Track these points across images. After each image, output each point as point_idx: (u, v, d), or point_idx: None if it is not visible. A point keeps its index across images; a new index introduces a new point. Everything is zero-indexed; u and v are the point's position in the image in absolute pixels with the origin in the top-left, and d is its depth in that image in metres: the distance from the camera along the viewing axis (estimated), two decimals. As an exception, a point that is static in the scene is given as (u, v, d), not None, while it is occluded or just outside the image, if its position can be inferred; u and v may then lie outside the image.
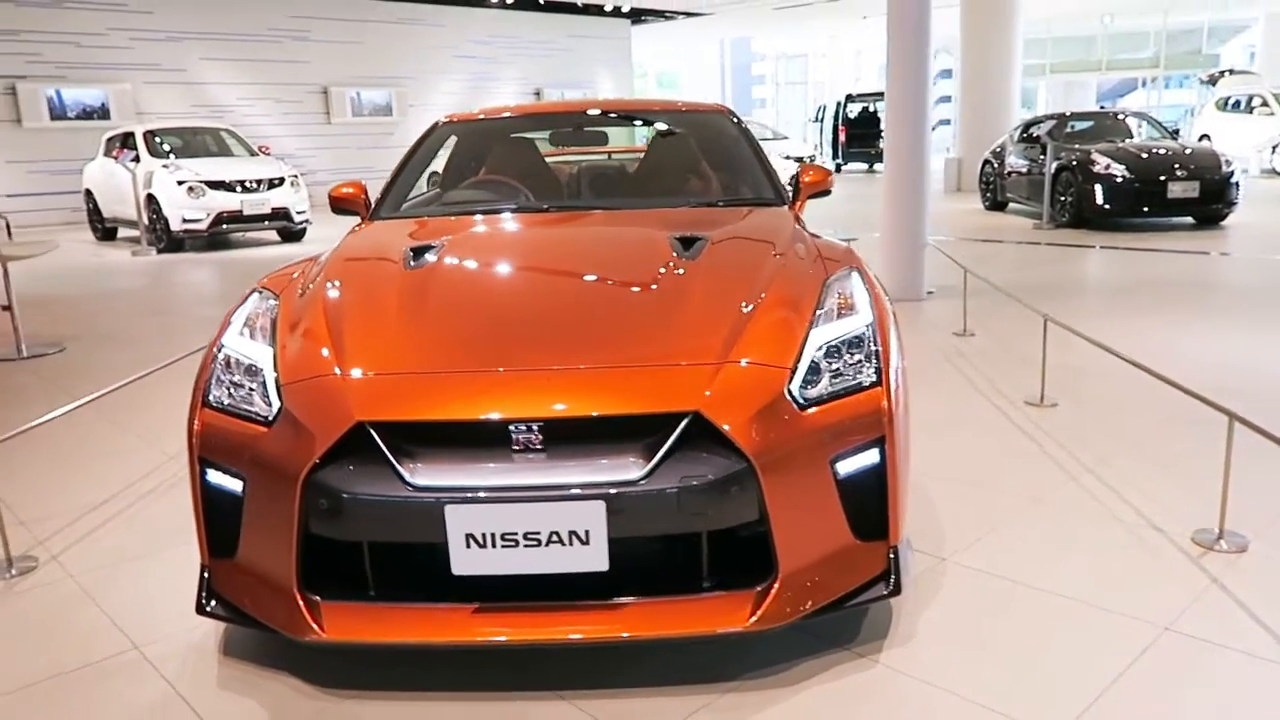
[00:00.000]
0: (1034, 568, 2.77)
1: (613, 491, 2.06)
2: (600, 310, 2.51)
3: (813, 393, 2.26)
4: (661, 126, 4.33)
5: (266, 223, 12.07)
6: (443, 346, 2.35)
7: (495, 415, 2.11)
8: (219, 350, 2.48)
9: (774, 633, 2.20)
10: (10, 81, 16.21)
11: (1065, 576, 2.71)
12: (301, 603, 2.19)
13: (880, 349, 2.40)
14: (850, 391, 2.29)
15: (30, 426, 3.28)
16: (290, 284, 2.77)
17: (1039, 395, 4.40)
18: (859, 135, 23.89)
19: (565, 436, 2.13)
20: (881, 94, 24.19)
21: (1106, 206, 10.40)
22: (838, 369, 2.33)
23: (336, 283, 2.70)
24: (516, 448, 2.11)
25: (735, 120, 4.05)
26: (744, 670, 2.30)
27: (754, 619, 2.14)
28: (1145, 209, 10.28)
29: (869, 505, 2.31)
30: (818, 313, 2.45)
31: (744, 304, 2.46)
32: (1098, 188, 10.38)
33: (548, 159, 4.18)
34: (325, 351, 2.33)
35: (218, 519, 2.32)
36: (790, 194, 3.73)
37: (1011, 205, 12.92)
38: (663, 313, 2.45)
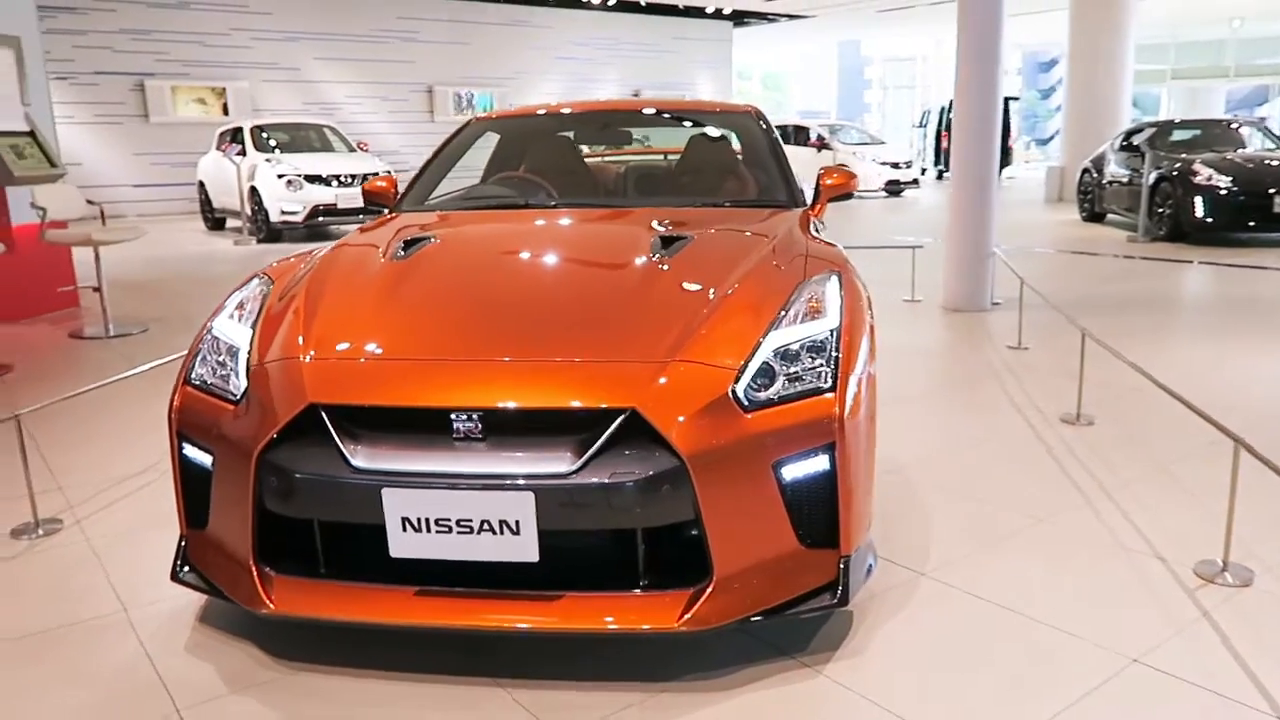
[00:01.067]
0: (1015, 590, 2.67)
1: (542, 484, 2.09)
2: (560, 306, 2.54)
3: (762, 395, 2.24)
4: (684, 128, 4.34)
5: (361, 215, 12.53)
6: (401, 335, 2.42)
7: (435, 403, 2.17)
8: (208, 331, 2.61)
9: (709, 634, 2.20)
10: (139, 79, 17.26)
11: (1045, 601, 2.61)
12: (256, 576, 2.29)
13: (841, 355, 2.36)
14: (802, 396, 2.26)
15: (73, 395, 3.51)
16: (289, 270, 2.89)
17: (1075, 413, 4.22)
18: (964, 141, 23.19)
19: (505, 427, 2.16)
20: (989, 99, 23.74)
21: (1207, 220, 9.84)
22: (795, 373, 2.30)
23: (326, 271, 2.81)
24: (457, 436, 2.16)
25: (761, 122, 4.02)
26: (685, 671, 2.29)
27: (684, 620, 2.14)
28: (1250, 223, 9.69)
29: (817, 512, 2.28)
30: (781, 315, 2.43)
31: (705, 304, 2.46)
32: (1198, 200, 9.84)
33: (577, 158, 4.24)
34: (298, 337, 2.43)
35: (192, 491, 2.45)
36: (807, 196, 3.70)
37: (1110, 216, 12.36)
38: (620, 310, 2.47)
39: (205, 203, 14.36)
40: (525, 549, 2.13)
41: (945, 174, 23.65)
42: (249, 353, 2.45)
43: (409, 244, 2.92)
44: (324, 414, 2.21)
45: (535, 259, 2.98)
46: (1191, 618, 2.51)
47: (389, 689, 2.25)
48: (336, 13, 19.17)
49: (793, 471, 2.23)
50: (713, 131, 4.25)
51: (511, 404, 2.16)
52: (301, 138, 13.91)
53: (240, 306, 2.69)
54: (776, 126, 16.64)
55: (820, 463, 2.25)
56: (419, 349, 2.35)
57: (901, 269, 7.47)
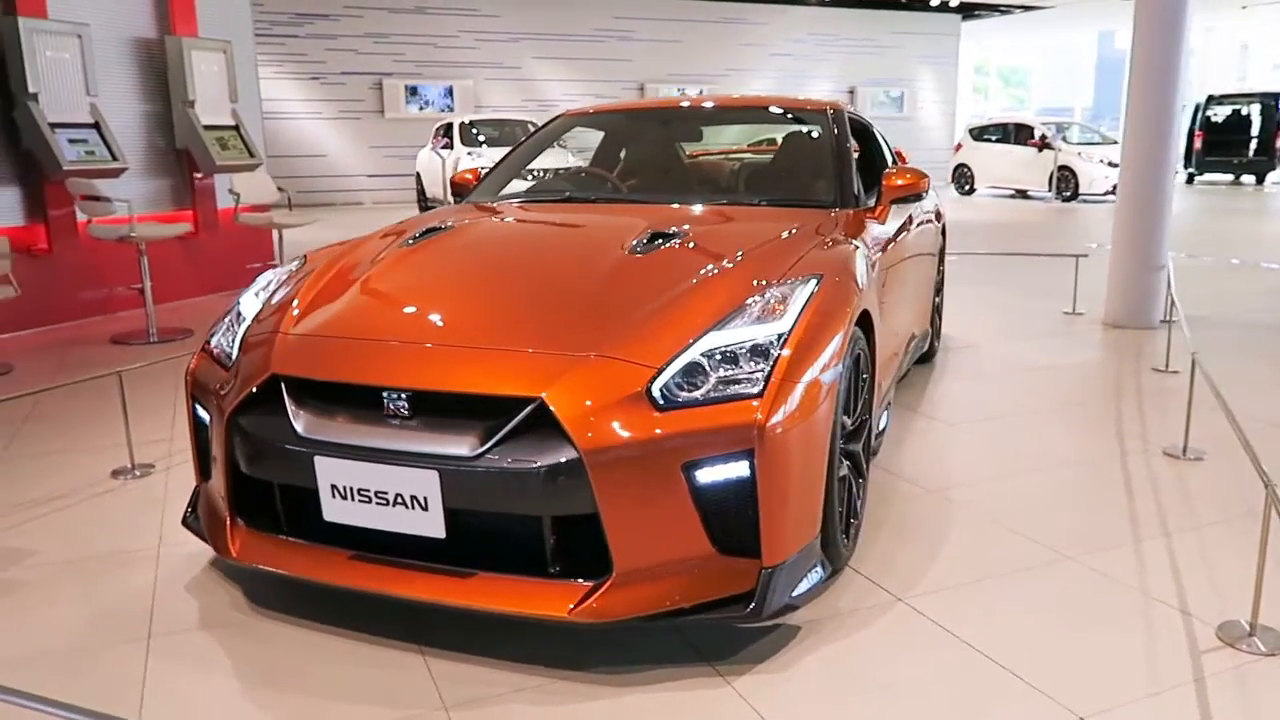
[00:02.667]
0: (992, 628, 2.47)
1: (447, 465, 2.18)
2: (512, 297, 2.61)
3: (685, 395, 2.21)
4: (757, 125, 4.25)
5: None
6: (361, 316, 2.58)
7: (362, 380, 2.31)
8: (235, 303, 2.90)
9: (609, 628, 2.22)
10: (378, 78, 18.88)
11: (1021, 644, 2.39)
12: (229, 526, 2.54)
13: (781, 361, 2.27)
14: (727, 399, 2.21)
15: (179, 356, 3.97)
16: (327, 253, 3.14)
17: (1182, 447, 3.77)
18: (1221, 142, 20.85)
19: (431, 408, 2.27)
20: (1255, 95, 21.11)
21: None
22: (731, 375, 2.25)
23: (344, 254, 3.03)
24: (388, 413, 2.29)
25: (835, 121, 3.87)
26: (598, 663, 2.31)
27: (575, 610, 2.16)
28: None
29: (735, 519, 2.22)
30: (732, 316, 2.37)
31: (652, 301, 2.45)
32: None
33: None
34: (289, 313, 2.66)
35: (200, 447, 2.74)
36: (864, 197, 3.56)
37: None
38: (566, 303, 2.51)
39: (420, 192, 15.54)
40: (433, 525, 2.23)
41: (1196, 177, 21.40)
42: (249, 325, 2.70)
43: (425, 233, 3.09)
44: (283, 384, 2.42)
45: (517, 252, 3.07)
46: (1179, 681, 2.22)
47: (325, 641, 2.42)
48: (557, 14, 20.05)
49: (708, 475, 2.19)
50: (791, 127, 4.14)
51: (426, 386, 2.26)
52: (507, 133, 14.73)
53: (269, 283, 2.96)
54: (997, 124, 15.82)
55: (739, 469, 2.19)
56: (368, 329, 2.50)
57: (1075, 280, 6.88)
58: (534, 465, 2.13)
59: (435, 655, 2.36)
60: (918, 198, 3.63)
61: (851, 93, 22.86)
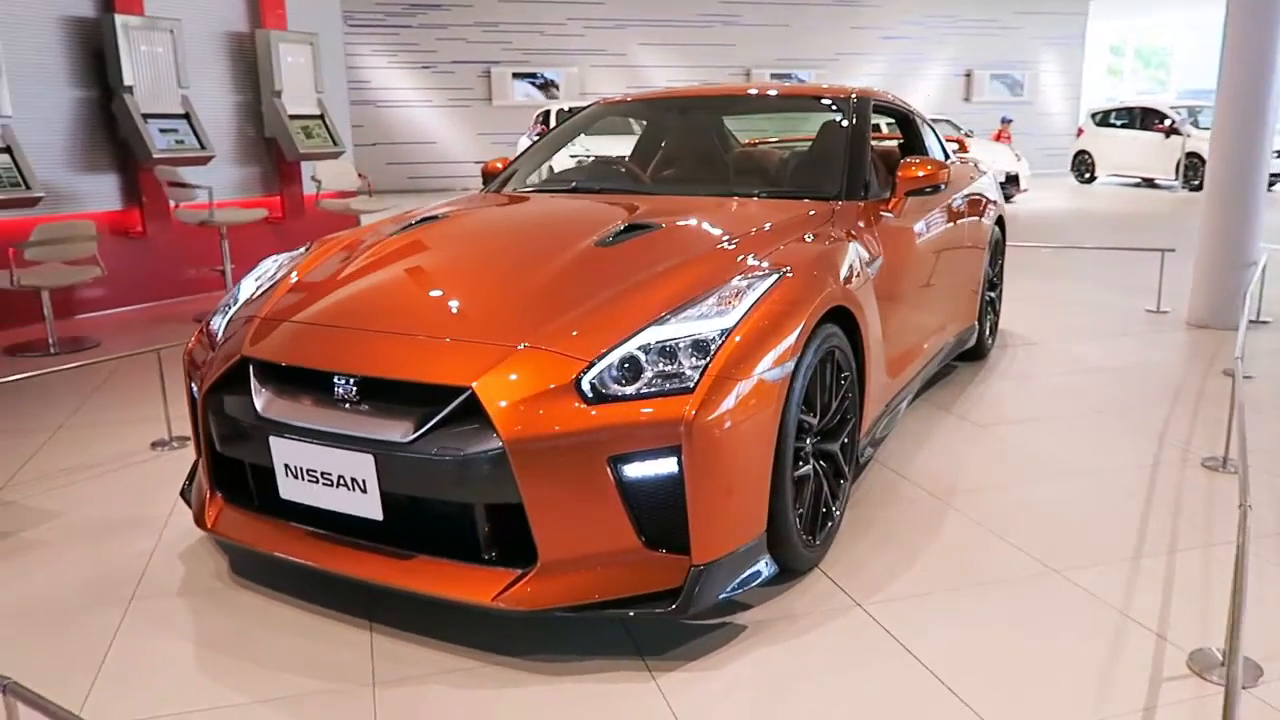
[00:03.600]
0: (946, 641, 2.38)
1: (381, 450, 2.24)
2: (468, 286, 2.64)
3: (617, 388, 2.21)
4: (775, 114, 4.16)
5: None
6: (330, 303, 2.66)
7: (311, 365, 2.40)
8: (236, 286, 3.04)
9: (534, 616, 2.26)
10: (487, 66, 19.31)
11: (970, 660, 2.30)
12: (208, 499, 2.68)
13: (719, 357, 2.24)
14: (660, 394, 2.20)
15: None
16: (331, 239, 3.26)
17: (1223, 457, 3.52)
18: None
19: (377, 394, 2.34)
20: None
21: None
22: (667, 370, 2.24)
23: (340, 240, 3.14)
24: (338, 397, 2.37)
25: (854, 110, 3.75)
26: (533, 650, 2.34)
27: (497, 597, 2.20)
28: None
29: (663, 515, 2.22)
30: (678, 310, 2.35)
31: (603, 293, 2.45)
32: None
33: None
34: (276, 297, 2.78)
35: (194, 422, 2.90)
36: (877, 188, 3.45)
37: None
38: (515, 294, 2.53)
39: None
40: (372, 507, 2.30)
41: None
42: (237, 308, 2.84)
43: (417, 222, 3.17)
44: (251, 367, 2.53)
45: (487, 243, 3.10)
46: (1127, 711, 2.09)
47: (285, 613, 2.54)
48: (664, 0, 20.03)
49: (635, 470, 2.18)
50: (812, 118, 4.04)
51: (369, 372, 2.33)
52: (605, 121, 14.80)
53: (269, 268, 3.09)
54: (1122, 109, 14.95)
55: (667, 465, 2.18)
56: (329, 316, 2.59)
57: (1160, 276, 6.47)
58: (459, 453, 2.17)
59: (382, 632, 2.44)
60: (936, 189, 3.49)
61: (968, 76, 22.03)
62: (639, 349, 2.26)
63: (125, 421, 4.22)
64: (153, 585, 2.71)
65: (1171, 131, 16.53)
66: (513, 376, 2.22)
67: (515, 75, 19.35)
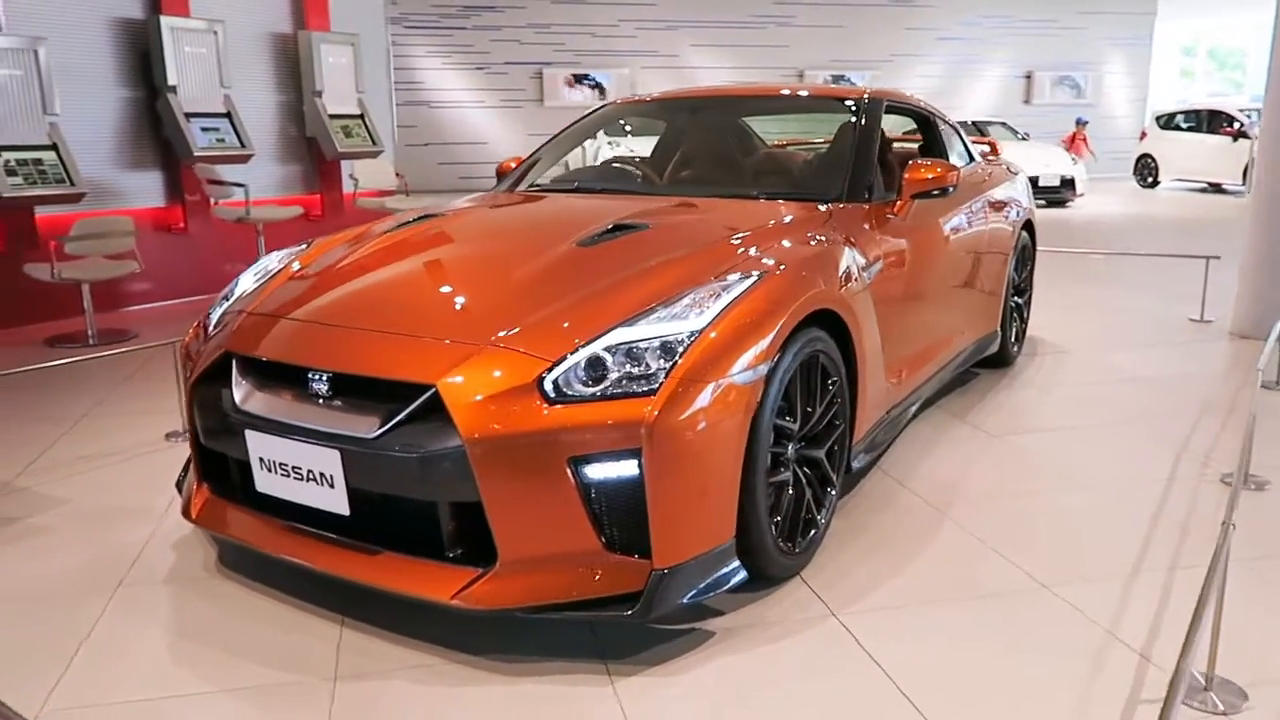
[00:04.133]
0: (918, 655, 2.32)
1: (347, 445, 2.26)
2: (446, 286, 2.65)
3: (582, 389, 2.19)
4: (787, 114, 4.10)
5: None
6: (312, 299, 2.69)
7: (285, 360, 2.43)
8: (234, 281, 3.09)
9: (494, 615, 2.26)
10: (539, 67, 19.45)
11: (940, 675, 2.24)
12: (194, 490, 2.74)
13: (685, 359, 2.22)
14: (623, 396, 2.18)
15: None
16: (334, 238, 3.30)
17: (1244, 473, 3.37)
18: None
19: (349, 389, 2.36)
20: None
21: None
22: (633, 372, 2.22)
23: (338, 237, 3.18)
24: (312, 392, 2.40)
25: (863, 111, 3.67)
26: (497, 649, 2.34)
27: (456, 595, 2.20)
28: None
29: (623, 518, 2.20)
30: (649, 311, 2.33)
31: (576, 293, 2.44)
32: None
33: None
34: (266, 293, 2.82)
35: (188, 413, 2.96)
36: (880, 190, 3.39)
37: None
38: (489, 293, 2.54)
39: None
40: (339, 502, 2.32)
41: None
42: (230, 303, 2.88)
43: (415, 220, 3.20)
44: (234, 361, 2.58)
45: (471, 242, 3.11)
46: (1095, 732, 2.01)
47: (262, 604, 2.57)
48: (717, 1, 19.96)
49: (596, 472, 2.17)
50: (820, 119, 3.99)
51: (339, 369, 2.35)
52: (654, 124, 14.80)
53: (266, 264, 3.14)
54: (1187, 111, 14.50)
55: (627, 467, 2.16)
56: (309, 312, 2.61)
57: (1216, 285, 6.23)
58: (420, 451, 2.18)
59: (353, 627, 2.46)
60: (944, 192, 3.41)
61: (1028, 78, 21.54)
62: (605, 350, 2.24)
63: (146, 412, 4.33)
64: (142, 573, 2.78)
65: (1239, 135, 15.96)
66: (477, 375, 2.22)
67: (576, 78, 19.44)
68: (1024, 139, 16.09)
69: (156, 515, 3.18)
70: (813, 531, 2.75)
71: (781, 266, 2.60)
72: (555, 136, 4.30)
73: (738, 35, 20.24)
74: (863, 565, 2.78)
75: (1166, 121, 17.87)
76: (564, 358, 2.23)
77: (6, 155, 5.71)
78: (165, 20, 6.54)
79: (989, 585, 2.66)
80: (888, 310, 3.21)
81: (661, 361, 2.23)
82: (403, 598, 2.30)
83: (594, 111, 4.40)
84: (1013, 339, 4.91)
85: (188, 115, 6.67)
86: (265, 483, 2.45)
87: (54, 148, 5.92)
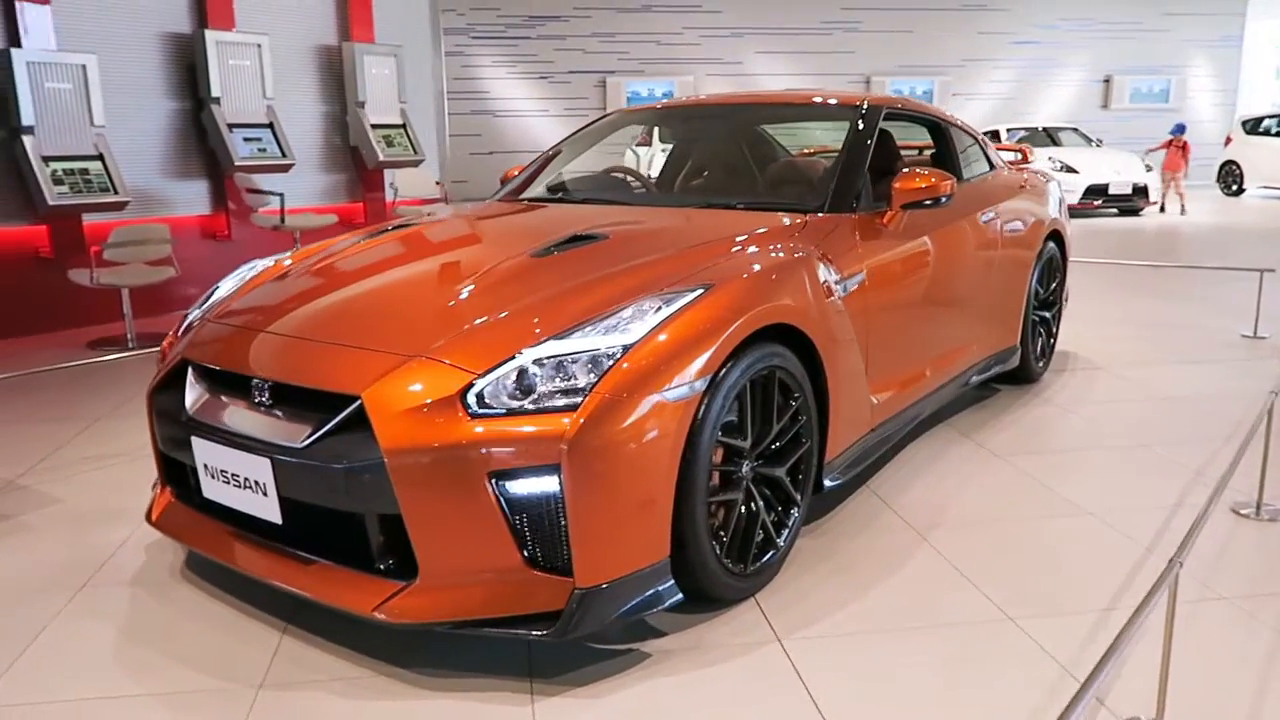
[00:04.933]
0: (855, 686, 2.22)
1: (277, 455, 2.27)
2: (391, 296, 2.64)
3: (509, 402, 2.16)
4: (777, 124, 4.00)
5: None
6: (267, 308, 2.72)
7: (227, 367, 2.46)
8: (214, 287, 3.14)
9: (414, 629, 2.24)
10: (602, 76, 19.56)
11: (873, 708, 2.14)
12: (157, 494, 2.79)
13: (612, 375, 2.17)
14: (545, 411, 2.14)
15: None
16: (314, 246, 3.35)
17: (1256, 503, 3.16)
18: None
19: (288, 399, 2.37)
20: None
21: None
22: (559, 386, 2.18)
23: (319, 245, 3.21)
24: (254, 401, 2.42)
25: (859, 119, 3.56)
26: (425, 663, 2.32)
27: (377, 608, 2.18)
28: None
29: (545, 535, 2.16)
30: (584, 324, 2.29)
31: (512, 305, 2.41)
32: None
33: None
34: (234, 299, 2.86)
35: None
36: (868, 201, 3.29)
37: None
38: (430, 304, 2.53)
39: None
40: (272, 510, 2.33)
41: None
42: (204, 308, 2.93)
43: (391, 229, 3.22)
44: (190, 368, 2.62)
45: (429, 252, 3.11)
46: (1022, 777, 1.89)
47: (212, 609, 2.60)
48: (782, 7, 19.78)
49: (516, 487, 2.13)
50: (815, 127, 3.89)
51: (276, 377, 2.36)
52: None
53: (244, 271, 3.19)
54: (1276, 115, 13.72)
55: (547, 484, 2.12)
56: (259, 321, 2.63)
57: (1259, 298, 5.91)
58: (343, 462, 2.18)
59: (294, 635, 2.47)
60: (937, 202, 3.28)
61: (1107, 82, 20.81)
62: (534, 363, 2.21)
63: (159, 415, 4.44)
64: (109, 574, 2.84)
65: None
66: (401, 387, 2.20)
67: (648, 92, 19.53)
68: (1097, 145, 15.53)
69: (138, 518, 3.24)
70: (771, 552, 2.66)
71: (733, 280, 2.53)
72: (556, 145, 4.28)
73: (803, 41, 20.03)
74: (823, 589, 2.68)
75: (1253, 126, 17.06)
76: (489, 370, 2.20)
77: (54, 165, 5.95)
78: (210, 34, 6.76)
79: (952, 615, 2.54)
80: (873, 324, 3.10)
81: (590, 376, 2.18)
82: (327, 609, 2.30)
83: (595, 122, 4.37)
84: (1037, 354, 4.71)
85: (231, 126, 6.87)
86: (210, 489, 2.48)
87: (100, 158, 6.16)
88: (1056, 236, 4.78)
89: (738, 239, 2.86)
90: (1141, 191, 13.71)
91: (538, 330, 2.29)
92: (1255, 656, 2.33)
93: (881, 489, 3.40)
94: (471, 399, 2.16)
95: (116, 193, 6.16)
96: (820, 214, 3.14)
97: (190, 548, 2.64)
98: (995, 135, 16.79)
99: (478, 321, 2.37)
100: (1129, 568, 2.79)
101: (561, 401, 2.15)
